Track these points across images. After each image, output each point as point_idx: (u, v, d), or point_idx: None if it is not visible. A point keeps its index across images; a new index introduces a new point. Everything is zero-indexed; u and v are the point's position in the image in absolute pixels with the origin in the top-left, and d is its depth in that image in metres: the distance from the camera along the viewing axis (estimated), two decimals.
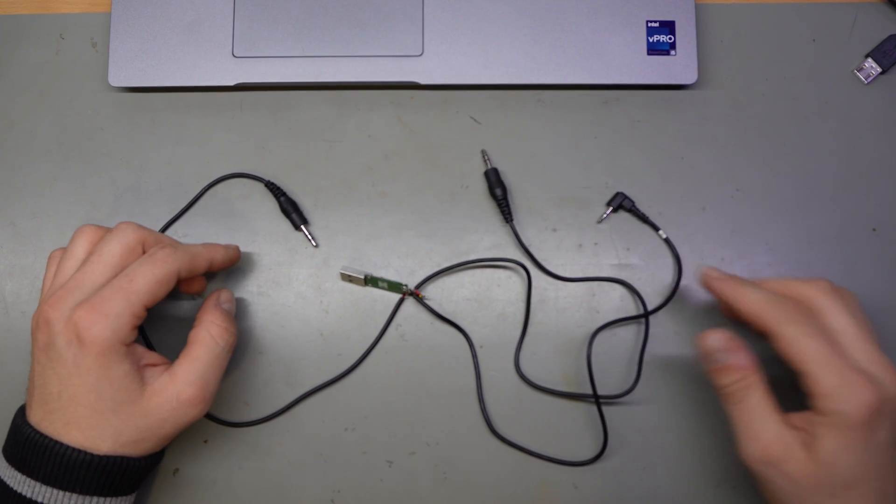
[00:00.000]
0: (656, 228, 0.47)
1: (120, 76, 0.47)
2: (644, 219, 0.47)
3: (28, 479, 0.37)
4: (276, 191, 0.47)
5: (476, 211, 0.48)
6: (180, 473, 0.46)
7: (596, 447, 0.45)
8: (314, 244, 0.47)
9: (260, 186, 0.48)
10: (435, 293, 0.47)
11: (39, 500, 0.36)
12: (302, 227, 0.47)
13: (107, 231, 0.40)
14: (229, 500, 0.45)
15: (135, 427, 0.37)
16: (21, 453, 0.37)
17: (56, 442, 0.36)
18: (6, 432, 0.40)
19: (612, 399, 0.45)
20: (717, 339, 0.39)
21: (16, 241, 0.48)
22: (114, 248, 0.38)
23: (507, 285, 0.47)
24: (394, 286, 0.46)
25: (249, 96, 0.49)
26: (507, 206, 0.47)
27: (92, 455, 0.36)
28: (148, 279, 0.37)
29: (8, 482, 0.37)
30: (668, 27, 0.47)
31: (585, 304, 0.47)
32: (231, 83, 0.47)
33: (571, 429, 0.46)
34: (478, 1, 0.48)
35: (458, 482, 0.45)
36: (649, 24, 0.47)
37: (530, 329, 0.46)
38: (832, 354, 0.36)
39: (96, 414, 0.36)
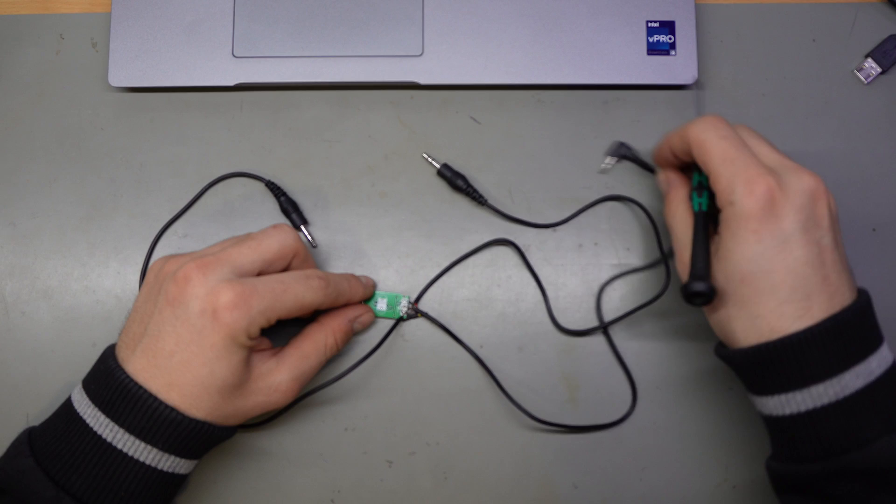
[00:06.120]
0: (654, 171, 0.47)
1: (120, 76, 0.47)
2: (644, 165, 0.47)
3: (112, 424, 0.36)
4: (276, 191, 0.47)
5: (476, 211, 0.48)
6: None
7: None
8: (314, 244, 0.47)
9: (260, 186, 0.48)
10: (435, 294, 0.47)
11: (119, 446, 0.36)
12: (302, 227, 0.47)
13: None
14: (229, 500, 0.45)
15: (232, 406, 0.38)
16: (111, 396, 0.37)
17: (153, 397, 0.36)
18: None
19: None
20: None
21: (16, 241, 0.48)
22: (272, 245, 0.39)
23: (507, 285, 0.47)
24: (391, 309, 0.46)
25: (249, 96, 0.49)
26: (475, 190, 0.47)
27: (184, 416, 0.36)
28: (298, 298, 0.38)
29: (88, 421, 0.37)
30: (668, 27, 0.47)
31: (585, 304, 0.47)
32: (231, 83, 0.47)
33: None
34: (478, 1, 0.48)
35: (459, 482, 0.45)
36: (649, 25, 0.47)
37: (529, 329, 0.46)
38: (738, 152, 0.37)
39: (202, 387, 0.36)
